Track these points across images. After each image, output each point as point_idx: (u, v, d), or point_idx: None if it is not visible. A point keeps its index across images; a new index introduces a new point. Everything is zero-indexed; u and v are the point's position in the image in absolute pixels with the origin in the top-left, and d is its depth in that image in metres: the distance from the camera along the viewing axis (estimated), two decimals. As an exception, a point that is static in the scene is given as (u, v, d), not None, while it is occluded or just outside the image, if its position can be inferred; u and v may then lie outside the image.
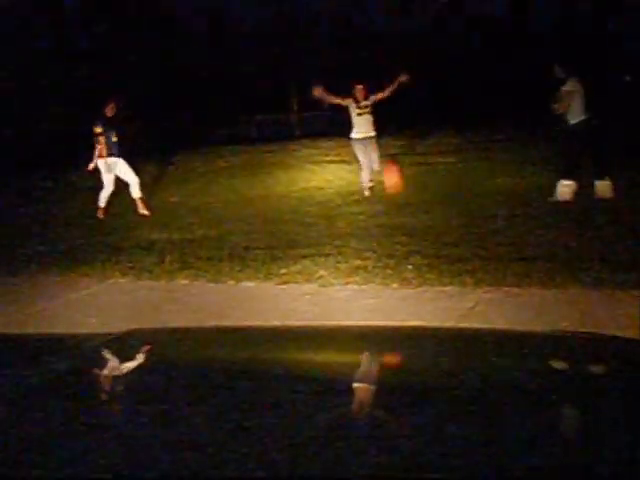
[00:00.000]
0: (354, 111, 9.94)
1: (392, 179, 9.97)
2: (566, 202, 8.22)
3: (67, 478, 0.82)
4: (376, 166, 9.98)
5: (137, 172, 10.04)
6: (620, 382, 1.14)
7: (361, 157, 9.93)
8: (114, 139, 9.79)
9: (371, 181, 10.00)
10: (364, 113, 9.89)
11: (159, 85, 21.52)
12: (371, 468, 0.82)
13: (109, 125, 9.77)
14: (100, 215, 10.02)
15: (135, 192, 10.02)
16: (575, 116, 8.31)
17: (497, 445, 0.88)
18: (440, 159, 12.13)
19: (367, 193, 9.88)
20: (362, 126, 9.87)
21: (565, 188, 8.41)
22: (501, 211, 7.89)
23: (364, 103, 9.89)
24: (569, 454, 0.85)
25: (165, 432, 0.93)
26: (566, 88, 8.28)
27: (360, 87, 9.93)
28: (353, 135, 9.99)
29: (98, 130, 9.73)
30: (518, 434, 0.91)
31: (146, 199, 10.13)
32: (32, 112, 20.18)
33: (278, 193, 10.75)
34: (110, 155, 9.75)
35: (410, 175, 11.38)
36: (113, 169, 9.84)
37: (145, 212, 9.93)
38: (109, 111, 9.82)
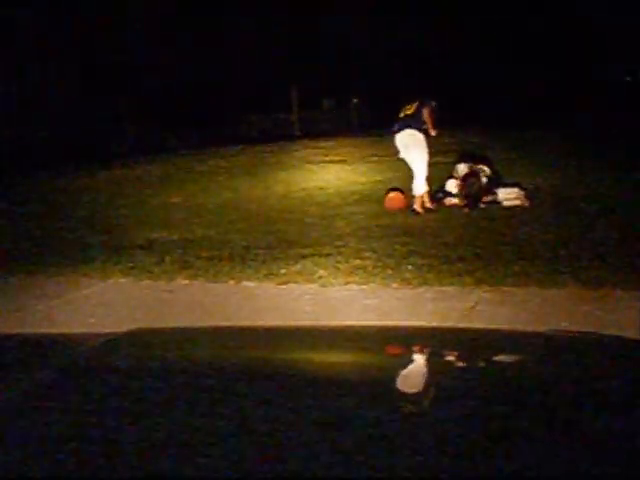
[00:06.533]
0: None
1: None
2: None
3: (67, 479, 0.82)
4: None
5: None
6: (620, 382, 1.14)
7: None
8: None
9: None
10: None
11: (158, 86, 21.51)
12: (372, 469, 0.82)
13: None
14: (426, 207, 8.34)
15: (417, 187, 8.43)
16: None
17: (498, 446, 0.88)
18: (440, 159, 12.10)
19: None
20: None
21: None
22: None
23: None
24: (569, 455, 0.85)
25: (166, 432, 0.94)
26: None
27: None
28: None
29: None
30: (519, 434, 0.91)
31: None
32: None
33: (278, 193, 10.73)
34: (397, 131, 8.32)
35: (409, 175, 11.35)
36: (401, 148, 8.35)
37: (418, 210, 8.38)
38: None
